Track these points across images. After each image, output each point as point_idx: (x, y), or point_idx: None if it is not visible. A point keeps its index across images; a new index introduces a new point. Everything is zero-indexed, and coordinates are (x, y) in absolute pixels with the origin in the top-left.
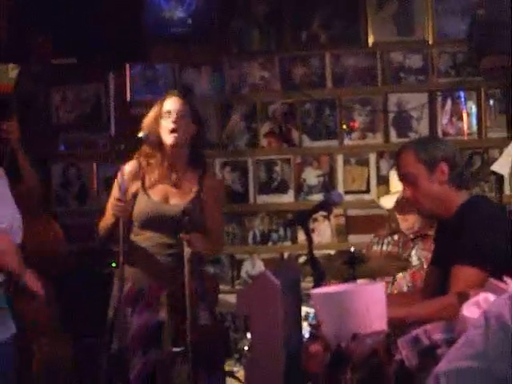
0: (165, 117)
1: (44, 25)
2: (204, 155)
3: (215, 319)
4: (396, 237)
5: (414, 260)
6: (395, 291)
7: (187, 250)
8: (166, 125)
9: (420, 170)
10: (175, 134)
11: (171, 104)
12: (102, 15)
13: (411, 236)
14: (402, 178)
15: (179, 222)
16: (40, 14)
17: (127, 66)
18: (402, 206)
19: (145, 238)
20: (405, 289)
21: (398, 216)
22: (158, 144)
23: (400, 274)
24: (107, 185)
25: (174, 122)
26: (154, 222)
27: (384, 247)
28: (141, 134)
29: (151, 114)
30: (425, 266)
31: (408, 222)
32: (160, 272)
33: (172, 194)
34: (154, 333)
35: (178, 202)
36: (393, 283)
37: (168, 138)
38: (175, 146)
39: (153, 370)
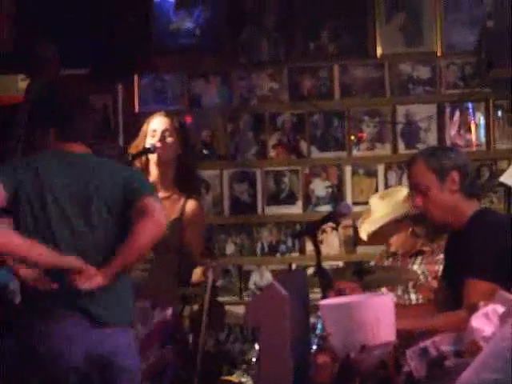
0: (151, 135)
1: (52, 35)
2: (193, 175)
3: (219, 345)
4: (390, 260)
5: (419, 274)
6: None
7: (211, 278)
8: (152, 143)
9: (431, 179)
10: (160, 152)
11: (157, 123)
12: (111, 26)
13: (400, 251)
14: (413, 187)
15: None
16: (48, 25)
17: (136, 76)
18: (374, 238)
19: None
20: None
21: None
22: (146, 163)
23: (399, 291)
24: None
25: (159, 141)
26: None
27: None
28: (148, 146)
29: (140, 134)
30: (429, 279)
31: (392, 246)
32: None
33: None
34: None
35: None
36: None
37: (153, 156)
38: (160, 164)
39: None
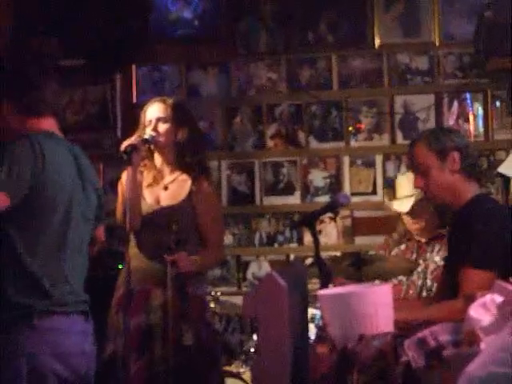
0: (148, 126)
1: (51, 26)
2: (199, 157)
3: (201, 339)
4: (403, 246)
5: (438, 260)
6: (410, 291)
7: (171, 271)
8: (150, 133)
9: (431, 159)
10: (157, 140)
11: (151, 112)
12: (109, 17)
13: (423, 239)
14: (414, 168)
15: (167, 225)
16: (47, 16)
17: (134, 67)
18: (416, 210)
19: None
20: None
21: (408, 219)
22: (150, 152)
23: (415, 276)
24: (113, 186)
25: (153, 130)
26: (147, 224)
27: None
28: (146, 136)
29: (139, 124)
30: None
31: (418, 225)
32: (151, 274)
33: (163, 197)
34: (147, 336)
35: (168, 203)
36: (408, 285)
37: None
38: (159, 151)
39: (147, 374)
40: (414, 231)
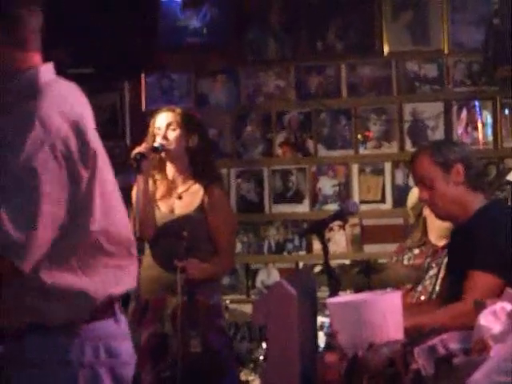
0: (157, 134)
1: (59, 34)
2: (211, 165)
3: (211, 347)
4: (417, 251)
5: None
6: (422, 297)
7: (180, 277)
8: (160, 142)
9: (436, 171)
10: (167, 148)
11: (160, 120)
12: (118, 25)
13: (441, 244)
14: (419, 181)
15: (178, 236)
16: (55, 24)
17: (143, 75)
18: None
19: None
20: None
21: (428, 224)
22: (161, 162)
23: (427, 281)
24: (123, 194)
25: (163, 138)
26: (162, 233)
27: (405, 262)
28: (156, 144)
29: (148, 134)
30: None
31: (437, 231)
32: (165, 283)
33: (177, 206)
34: (161, 346)
35: (182, 212)
36: (421, 291)
37: (162, 153)
38: (171, 160)
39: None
40: (434, 240)
